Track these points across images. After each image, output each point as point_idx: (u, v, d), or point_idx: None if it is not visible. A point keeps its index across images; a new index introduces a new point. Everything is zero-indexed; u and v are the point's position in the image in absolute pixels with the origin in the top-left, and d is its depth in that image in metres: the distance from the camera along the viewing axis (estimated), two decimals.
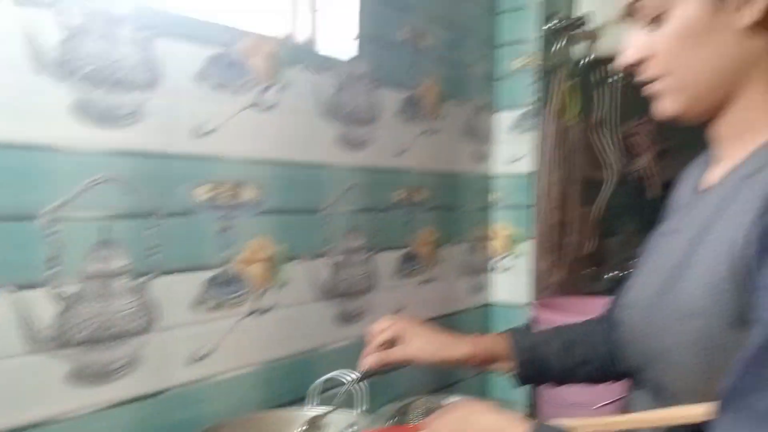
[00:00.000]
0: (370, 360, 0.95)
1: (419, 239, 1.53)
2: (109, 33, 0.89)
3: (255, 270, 1.12)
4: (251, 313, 1.12)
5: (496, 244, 1.83)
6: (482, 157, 1.77)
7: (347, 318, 1.33)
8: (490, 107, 1.78)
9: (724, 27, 0.66)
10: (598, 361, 0.94)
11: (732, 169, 0.70)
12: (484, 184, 1.79)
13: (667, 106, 0.73)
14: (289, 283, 1.19)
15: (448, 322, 1.64)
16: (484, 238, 1.80)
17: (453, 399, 1.26)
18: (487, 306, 1.82)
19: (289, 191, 1.17)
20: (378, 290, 1.41)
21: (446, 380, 1.61)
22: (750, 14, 0.64)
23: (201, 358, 1.04)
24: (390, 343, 0.96)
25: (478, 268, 1.78)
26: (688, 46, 0.68)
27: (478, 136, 1.74)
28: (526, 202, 1.76)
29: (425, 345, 0.95)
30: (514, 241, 1.79)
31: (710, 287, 0.63)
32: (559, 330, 1.01)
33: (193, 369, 1.03)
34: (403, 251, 1.48)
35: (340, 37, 1.32)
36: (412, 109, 1.48)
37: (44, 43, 0.82)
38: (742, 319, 0.60)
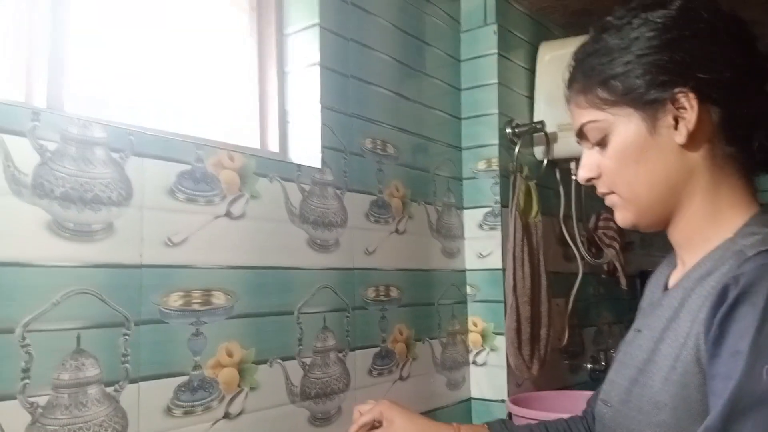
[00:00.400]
0: None
1: (393, 336, 1.57)
2: (83, 155, 0.97)
3: (225, 375, 1.15)
4: (222, 418, 1.14)
5: (473, 338, 1.86)
6: (452, 253, 1.83)
7: (321, 420, 1.34)
8: (458, 206, 1.87)
9: (661, 145, 0.73)
10: None
11: (688, 272, 0.75)
12: (456, 279, 1.84)
13: (621, 216, 0.80)
14: (260, 387, 1.21)
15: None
16: (461, 333, 1.84)
17: None
18: (468, 401, 1.82)
19: (258, 295, 1.22)
20: (353, 389, 1.42)
21: None
22: (682, 132, 0.72)
23: None
24: (372, 426, 1.01)
25: (457, 363, 1.80)
26: (629, 165, 0.76)
27: (447, 234, 1.81)
28: (498, 296, 1.81)
29: (408, 427, 0.99)
30: (488, 335, 1.83)
31: (672, 382, 0.67)
32: (543, 424, 1.04)
33: None
34: (377, 349, 1.51)
35: (306, 148, 1.41)
36: (379, 211, 1.56)
37: (21, 167, 0.89)
38: (707, 411, 0.62)
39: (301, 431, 1.30)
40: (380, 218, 1.56)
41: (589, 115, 0.78)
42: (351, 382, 1.42)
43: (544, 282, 1.86)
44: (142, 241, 1.04)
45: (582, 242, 2.04)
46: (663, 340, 0.71)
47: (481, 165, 1.87)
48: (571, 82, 0.80)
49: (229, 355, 1.16)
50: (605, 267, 2.24)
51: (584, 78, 0.78)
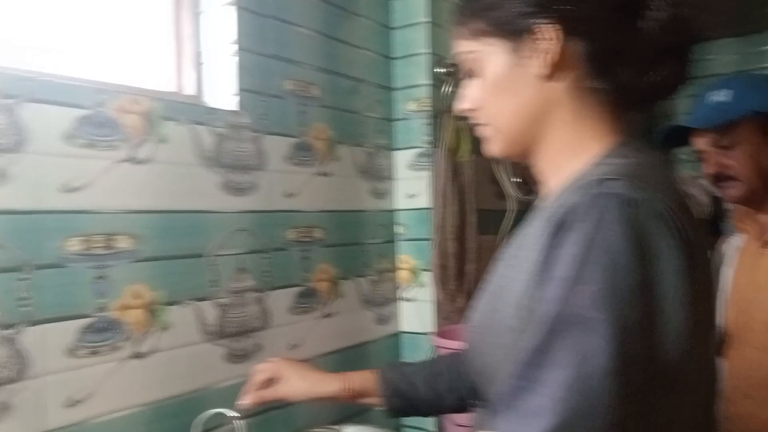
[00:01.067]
0: (246, 399, 1.07)
1: (316, 276, 1.61)
2: None
3: (133, 316, 1.18)
4: (131, 357, 1.18)
5: (402, 275, 1.91)
6: (382, 194, 1.86)
7: (239, 357, 1.39)
8: (388, 147, 1.88)
9: (525, 77, 0.75)
10: (464, 390, 1.00)
11: (546, 201, 0.77)
12: (387, 219, 1.88)
13: (490, 147, 0.82)
14: (172, 327, 1.25)
15: (356, 352, 1.71)
16: (390, 270, 1.89)
17: (350, 428, 1.32)
18: (397, 335, 1.89)
19: (167, 239, 1.24)
20: (272, 328, 1.47)
21: (351, 411, 1.67)
22: (546, 63, 0.73)
23: (78, 403, 1.09)
24: (268, 383, 1.07)
25: (386, 299, 1.86)
26: (498, 96, 0.78)
27: (377, 175, 1.84)
28: (427, 235, 1.86)
29: (299, 383, 1.06)
30: (417, 272, 1.88)
31: (516, 307, 0.70)
32: (430, 362, 1.09)
33: (70, 413, 1.08)
34: (300, 289, 1.56)
35: (222, 91, 1.40)
36: (302, 153, 1.57)
37: None
38: None
39: (218, 367, 1.35)
40: (303, 161, 1.57)
41: (466, 46, 0.79)
42: (271, 320, 1.47)
43: (472, 220, 1.90)
44: (39, 187, 1.05)
45: (515, 180, 2.08)
46: (514, 267, 0.73)
47: (413, 106, 1.87)
48: (455, 15, 0.81)
49: (137, 297, 1.19)
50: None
51: (463, 10, 0.79)
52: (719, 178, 1.41)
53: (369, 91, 1.81)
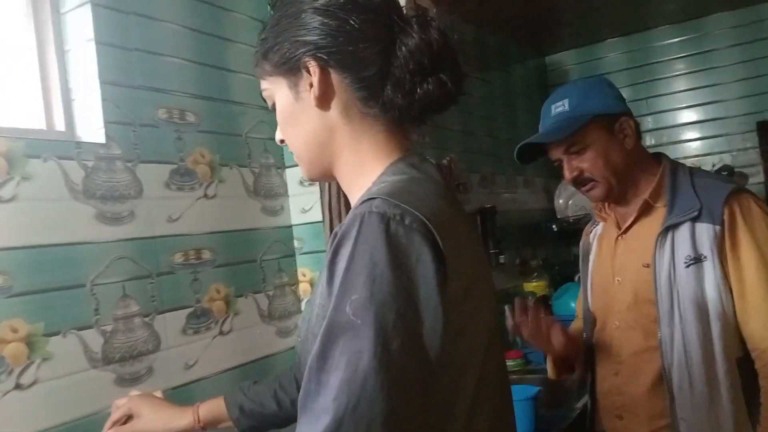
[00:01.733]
0: None
1: (209, 296, 1.66)
2: None
3: (11, 349, 1.21)
4: (13, 389, 1.21)
5: (303, 287, 1.98)
6: (275, 211, 1.93)
7: (130, 380, 1.43)
8: (278, 166, 1.95)
9: (306, 108, 0.83)
10: None
11: None
12: (282, 235, 1.94)
13: (302, 171, 0.90)
14: (54, 357, 1.28)
15: (258, 366, 1.77)
16: (290, 284, 1.95)
17: None
18: None
19: (41, 273, 1.28)
20: (164, 350, 1.52)
21: None
22: (313, 96, 0.81)
23: None
24: (125, 420, 1.14)
25: (288, 312, 1.92)
26: (290, 127, 0.87)
27: (269, 193, 1.90)
28: (323, 247, 1.93)
29: (152, 418, 1.14)
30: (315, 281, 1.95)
31: (318, 317, 0.76)
32: (278, 376, 1.17)
33: None
34: (191, 309, 1.60)
35: (90, 124, 1.45)
36: (182, 179, 1.62)
37: None
38: None
39: (109, 392, 1.38)
40: (184, 185, 1.63)
41: (263, 84, 0.88)
42: (161, 343, 1.51)
43: None
44: None
45: None
46: (318, 283, 0.82)
47: None
48: (254, 58, 0.89)
49: (14, 330, 1.22)
50: None
51: (256, 53, 0.87)
52: (578, 182, 1.50)
53: (252, 113, 1.88)
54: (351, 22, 0.79)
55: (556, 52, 3.81)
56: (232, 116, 1.82)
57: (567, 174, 1.50)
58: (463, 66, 0.83)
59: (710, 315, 1.34)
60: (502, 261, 2.79)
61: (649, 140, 3.50)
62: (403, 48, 0.79)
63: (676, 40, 3.48)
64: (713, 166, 3.25)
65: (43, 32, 1.47)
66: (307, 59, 0.80)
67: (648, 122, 3.52)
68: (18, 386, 1.22)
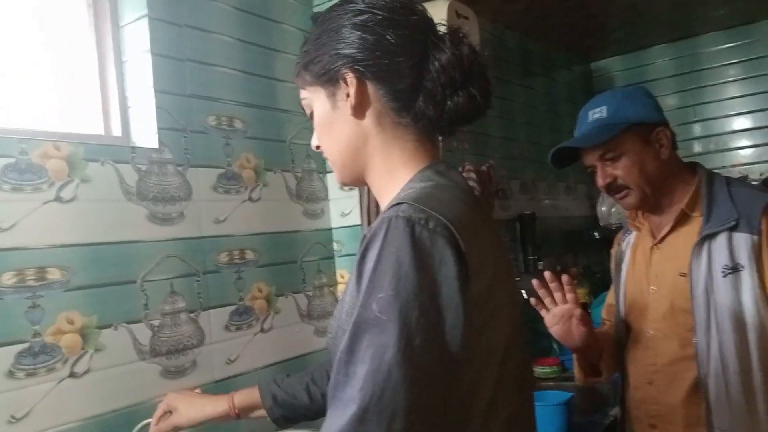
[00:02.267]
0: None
1: (251, 294, 1.74)
2: None
3: (67, 340, 1.31)
4: (67, 377, 1.30)
5: (341, 289, 2.04)
6: (316, 214, 2.00)
7: (175, 373, 1.51)
8: (320, 171, 2.03)
9: (341, 117, 0.89)
10: None
11: None
12: (322, 237, 2.01)
13: (336, 176, 0.96)
14: (105, 349, 1.38)
15: (296, 364, 1.84)
16: (329, 285, 2.02)
17: None
18: None
19: (96, 269, 1.37)
20: (208, 345, 1.60)
21: None
22: (350, 105, 0.87)
23: (17, 420, 1.22)
24: (166, 416, 1.26)
25: (326, 313, 1.99)
26: (326, 134, 0.92)
27: (310, 197, 1.98)
28: None
29: (187, 411, 1.24)
30: None
31: (348, 314, 0.81)
32: (311, 370, 1.23)
33: (10, 430, 1.20)
34: (234, 307, 1.68)
35: (144, 130, 1.55)
36: (228, 182, 1.70)
37: None
38: None
39: (154, 383, 1.47)
40: (230, 189, 1.71)
41: (302, 94, 0.94)
42: (206, 338, 1.60)
43: None
44: None
45: None
46: (349, 283, 0.87)
47: None
48: (294, 69, 0.96)
49: (70, 322, 1.32)
50: None
51: (297, 65, 0.94)
52: (611, 189, 1.51)
53: (296, 120, 1.95)
54: (387, 37, 0.85)
55: (603, 59, 3.79)
56: (277, 123, 1.89)
57: (600, 180, 1.51)
58: (491, 81, 0.88)
59: (747, 325, 1.34)
60: (540, 268, 2.80)
61: (696, 147, 3.45)
62: (436, 62, 0.84)
63: (724, 46, 3.41)
64: (761, 175, 3.19)
65: (104, 44, 1.58)
66: (345, 71, 0.86)
67: (695, 129, 3.47)
68: (72, 374, 1.32)
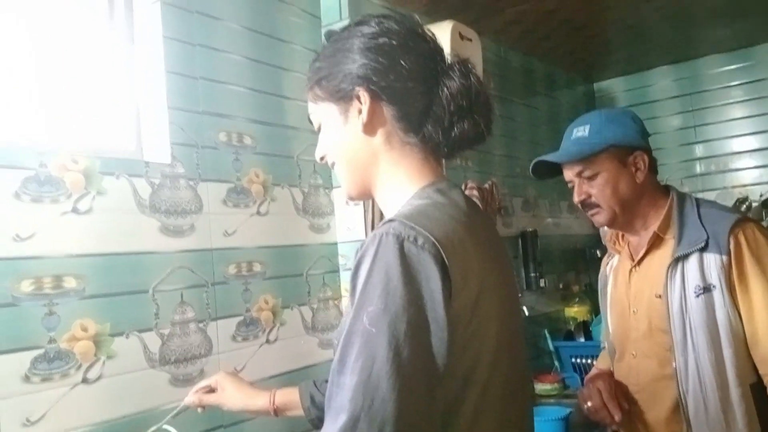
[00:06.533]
0: (187, 399, 1.32)
1: (258, 306, 1.78)
2: None
3: (81, 346, 1.35)
4: (81, 383, 1.35)
5: (346, 302, 2.09)
6: (322, 229, 2.04)
7: (183, 381, 1.55)
8: (326, 186, 2.08)
9: (352, 132, 0.94)
10: None
11: None
12: (328, 251, 2.06)
13: (343, 190, 1.01)
14: (117, 356, 1.42)
15: (299, 375, 1.87)
16: (334, 298, 2.06)
17: None
18: None
19: (110, 278, 1.42)
20: (216, 354, 1.64)
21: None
22: (361, 122, 0.91)
23: (32, 424, 1.26)
24: (210, 390, 1.31)
25: (330, 326, 2.03)
26: (336, 146, 0.97)
27: (316, 212, 2.03)
28: None
29: (234, 395, 1.30)
30: None
31: (343, 325, 0.84)
32: None
33: None
34: (240, 318, 1.73)
35: (158, 146, 1.60)
36: (238, 197, 1.76)
37: None
38: None
39: (164, 390, 1.51)
40: (239, 203, 1.76)
41: (312, 108, 0.99)
42: (213, 348, 1.64)
43: None
44: None
45: None
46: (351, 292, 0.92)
47: None
48: (305, 84, 1.01)
49: (84, 329, 1.37)
50: None
51: (309, 80, 0.98)
52: (585, 205, 1.56)
53: (303, 136, 2.01)
54: (402, 62, 0.90)
55: (605, 79, 3.85)
56: (285, 140, 1.95)
57: (576, 196, 1.56)
58: (495, 111, 0.93)
59: (722, 342, 1.37)
60: (542, 285, 2.83)
61: (698, 168, 3.50)
62: (446, 90, 0.89)
63: (726, 68, 3.47)
64: (761, 196, 3.22)
65: (119, 61, 1.64)
66: (359, 90, 0.90)
67: (697, 150, 3.51)
68: (85, 380, 1.36)
